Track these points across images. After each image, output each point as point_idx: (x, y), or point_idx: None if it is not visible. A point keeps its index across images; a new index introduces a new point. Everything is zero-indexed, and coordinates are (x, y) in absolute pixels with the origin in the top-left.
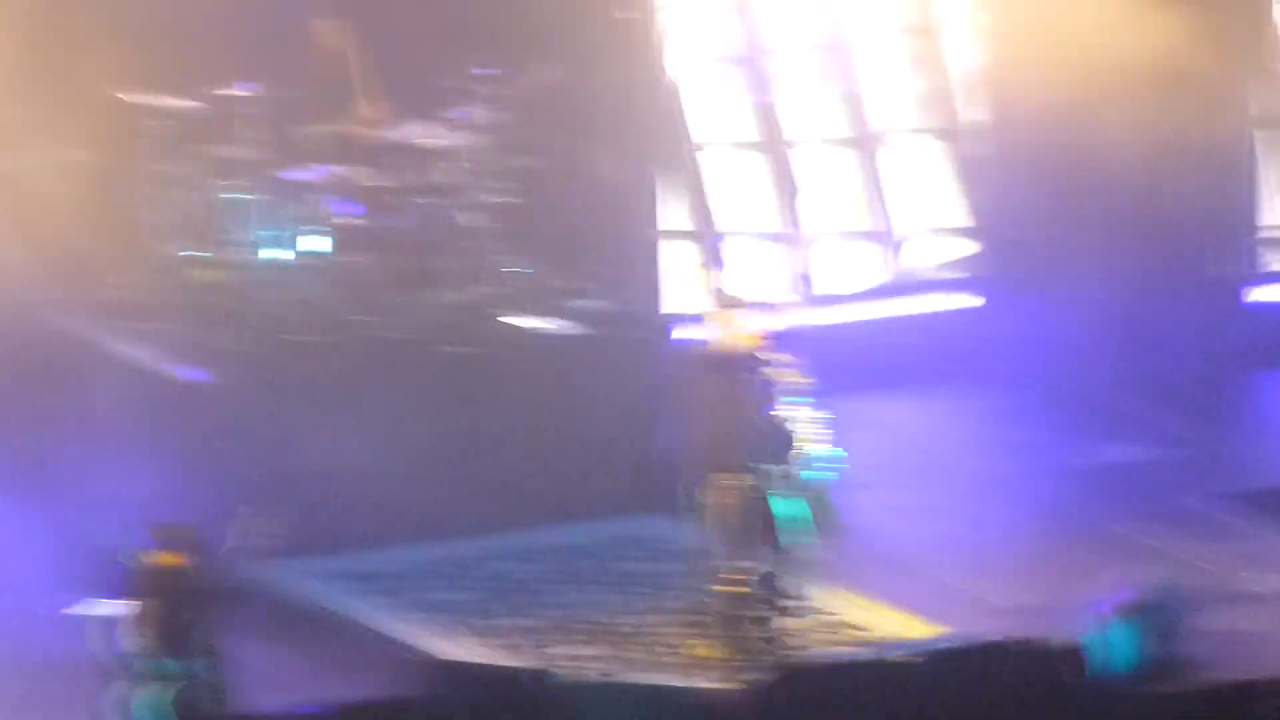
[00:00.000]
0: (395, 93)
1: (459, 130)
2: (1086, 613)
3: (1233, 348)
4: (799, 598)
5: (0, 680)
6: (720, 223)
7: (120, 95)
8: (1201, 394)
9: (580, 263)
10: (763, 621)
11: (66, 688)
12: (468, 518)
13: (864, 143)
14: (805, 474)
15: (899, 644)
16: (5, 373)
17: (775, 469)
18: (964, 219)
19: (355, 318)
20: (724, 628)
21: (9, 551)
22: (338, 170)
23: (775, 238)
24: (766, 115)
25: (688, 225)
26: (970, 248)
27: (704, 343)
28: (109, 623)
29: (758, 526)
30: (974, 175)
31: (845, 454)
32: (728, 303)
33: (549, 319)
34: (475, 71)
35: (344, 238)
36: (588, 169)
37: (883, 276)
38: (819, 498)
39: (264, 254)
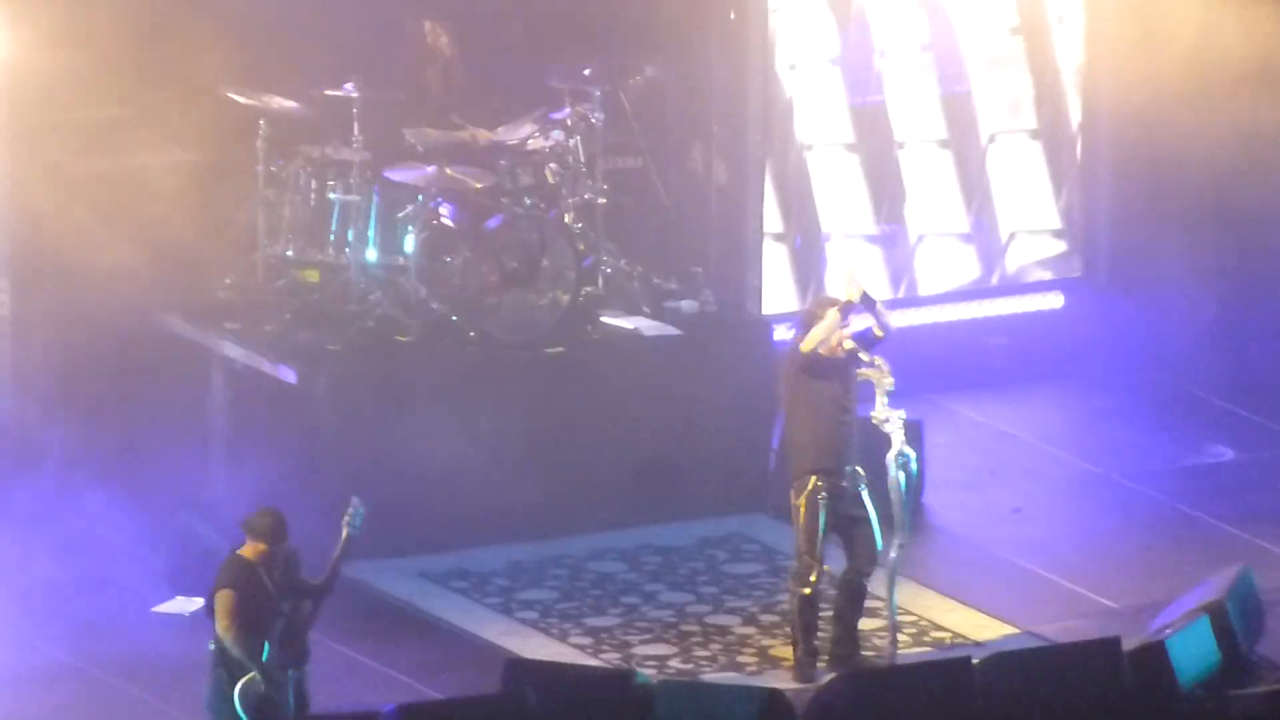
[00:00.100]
0: (501, 93)
1: (564, 130)
2: (1172, 613)
3: None
4: (885, 599)
5: (95, 676)
6: (822, 223)
7: (229, 94)
8: None
9: (683, 263)
10: (847, 622)
11: (159, 683)
12: (563, 517)
13: (963, 143)
14: (895, 474)
15: (982, 645)
16: (108, 371)
17: (866, 470)
18: (1060, 219)
19: (457, 318)
20: (806, 629)
21: (106, 548)
22: (443, 171)
23: (873, 239)
24: (869, 116)
25: (790, 226)
26: (1066, 248)
27: (801, 343)
28: (198, 618)
29: (846, 527)
30: (1071, 175)
31: (935, 454)
32: (827, 304)
33: (651, 319)
34: (582, 72)
35: (448, 238)
36: (691, 169)
37: (980, 277)
38: (908, 498)
39: (368, 255)
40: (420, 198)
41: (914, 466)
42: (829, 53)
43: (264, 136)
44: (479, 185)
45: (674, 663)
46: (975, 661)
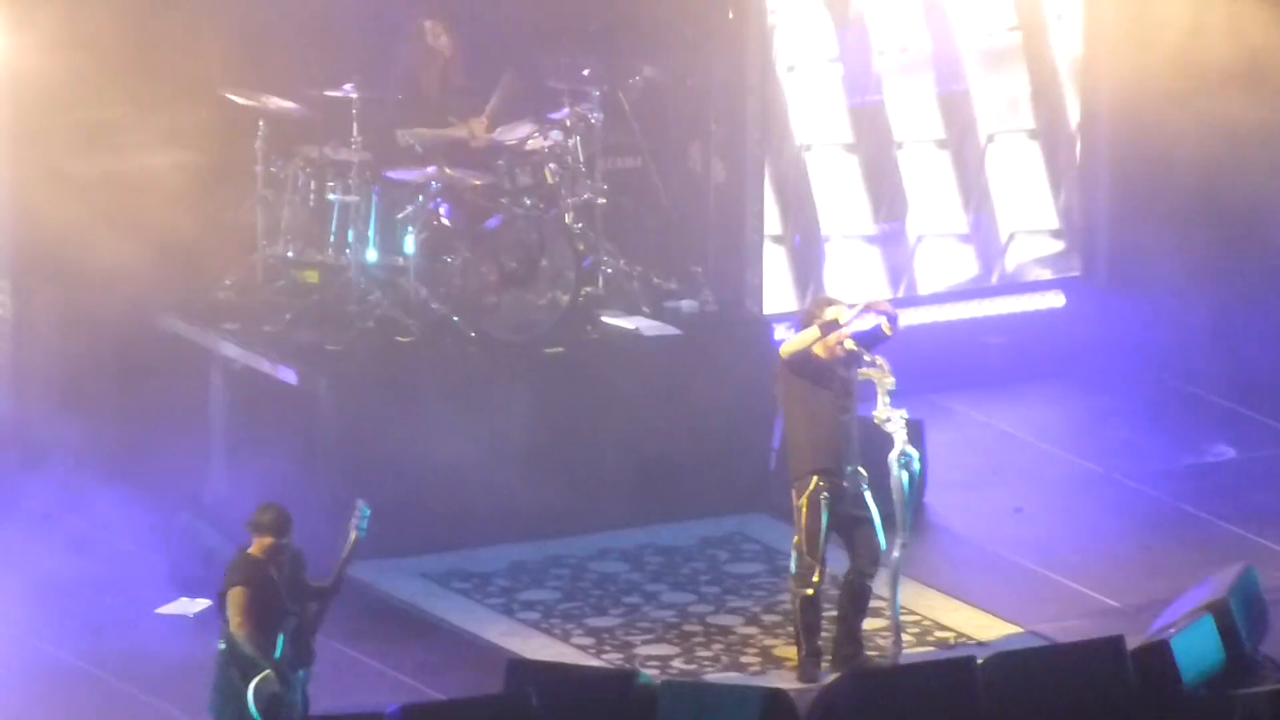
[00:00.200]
0: (510, 99)
1: (563, 131)
2: (1175, 612)
3: None
4: (888, 599)
5: (97, 676)
6: (821, 223)
7: (228, 95)
8: None
9: (682, 263)
10: (850, 623)
11: (163, 684)
12: (564, 518)
13: (961, 143)
14: (898, 474)
15: (986, 645)
16: (109, 371)
17: (868, 470)
18: (1059, 219)
19: (457, 318)
20: (808, 630)
21: (108, 549)
22: (442, 171)
23: (872, 239)
24: (868, 116)
25: (789, 225)
26: (1065, 247)
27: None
28: (201, 619)
29: (848, 527)
30: (1070, 175)
31: (936, 454)
32: (825, 304)
33: (650, 319)
34: (581, 72)
35: (448, 239)
36: (690, 169)
37: (979, 276)
38: (910, 498)
39: (368, 255)
40: (420, 198)
41: (916, 466)
42: (827, 52)
43: (263, 137)
44: (478, 182)
45: (676, 663)
46: (979, 661)
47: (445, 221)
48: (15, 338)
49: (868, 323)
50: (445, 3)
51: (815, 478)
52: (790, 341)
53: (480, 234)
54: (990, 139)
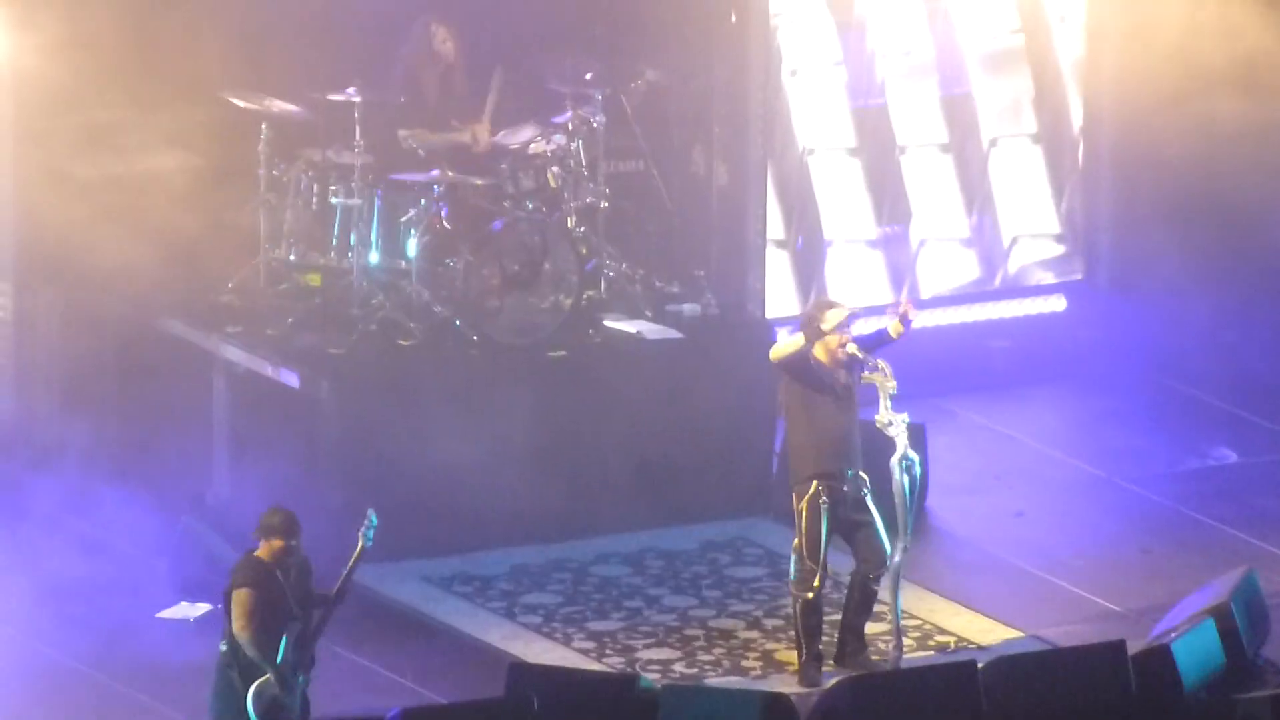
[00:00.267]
0: (503, 97)
1: (566, 134)
2: (1176, 616)
3: None
4: (889, 603)
5: (97, 680)
6: (823, 226)
7: (230, 99)
8: None
9: (684, 266)
10: (854, 624)
11: (163, 688)
12: (566, 521)
13: (964, 147)
14: (899, 478)
15: (987, 649)
16: (111, 374)
17: (869, 474)
18: (1061, 223)
19: (459, 322)
20: (809, 634)
21: (110, 553)
22: (445, 174)
23: (875, 243)
24: (870, 119)
25: (792, 229)
26: (1067, 251)
27: (803, 347)
28: (202, 623)
29: (850, 531)
30: (1072, 179)
31: (938, 458)
32: (826, 306)
33: (652, 322)
34: (584, 75)
35: (450, 242)
36: (693, 173)
37: (981, 280)
38: (911, 502)
39: (370, 258)
40: (422, 201)
41: (918, 470)
42: (830, 56)
43: (266, 140)
44: (479, 183)
45: (678, 667)
46: (980, 665)
47: (447, 225)
48: (17, 339)
49: (876, 324)
50: (448, 6)
51: (816, 482)
52: (777, 346)
53: (483, 237)
54: (993, 143)
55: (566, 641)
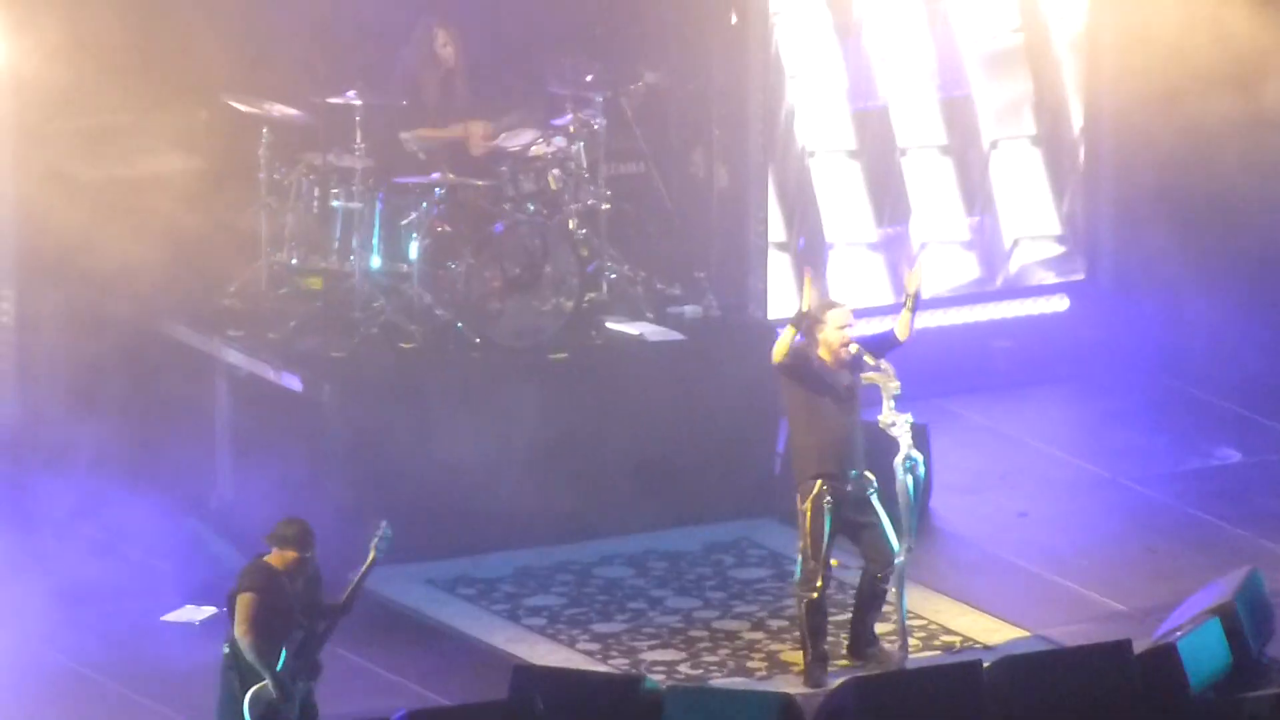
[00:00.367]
0: (504, 100)
1: (566, 137)
2: (1181, 615)
3: None
4: (894, 603)
5: (102, 683)
6: (824, 228)
7: (231, 102)
8: None
9: (686, 268)
10: (865, 620)
11: (167, 692)
12: (569, 523)
13: (964, 149)
14: (903, 478)
15: (992, 649)
16: (113, 378)
17: (872, 474)
18: (1062, 225)
19: (461, 325)
20: (814, 634)
21: (113, 556)
22: (446, 177)
23: (876, 245)
24: (871, 122)
25: (793, 231)
26: (1069, 250)
27: (805, 347)
28: (207, 626)
29: (854, 531)
30: (1073, 180)
31: (941, 458)
32: (827, 307)
33: (654, 324)
34: (584, 78)
35: (452, 245)
36: (694, 175)
37: (981, 280)
38: (915, 502)
39: (372, 262)
40: (424, 204)
41: (921, 471)
42: (830, 58)
43: (267, 144)
44: (480, 185)
45: (682, 668)
46: (985, 665)
47: (449, 228)
48: (19, 343)
49: (881, 326)
50: (449, 8)
51: (818, 482)
52: (776, 346)
53: (484, 240)
54: (993, 145)
55: (571, 643)
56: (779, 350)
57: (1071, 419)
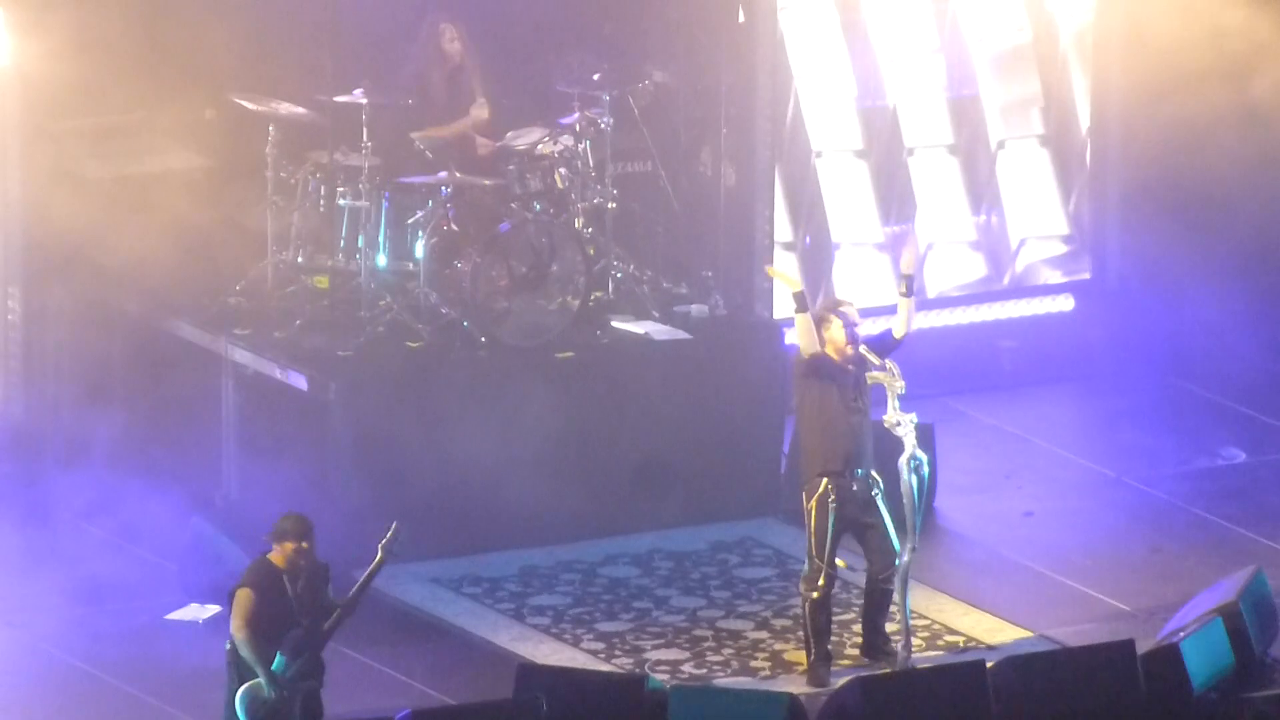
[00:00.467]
0: (511, 98)
1: (573, 135)
2: (1185, 615)
3: None
4: (898, 603)
5: (106, 682)
6: (831, 228)
7: (238, 101)
8: None
9: (692, 267)
10: (873, 620)
11: (172, 690)
12: (574, 522)
13: (972, 149)
14: (908, 478)
15: (996, 649)
16: (119, 376)
17: (878, 473)
18: (1069, 225)
19: (467, 323)
20: (818, 633)
21: (118, 554)
22: (453, 176)
23: (882, 244)
24: (878, 121)
25: (800, 230)
26: (1075, 251)
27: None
28: (211, 624)
29: (859, 531)
30: (1080, 180)
31: (946, 458)
32: (835, 305)
33: (660, 324)
34: (591, 77)
35: (458, 244)
36: (701, 174)
37: (988, 279)
38: (919, 502)
39: (378, 260)
40: (430, 203)
41: (926, 470)
42: (837, 57)
43: (273, 143)
44: (487, 184)
45: (687, 668)
46: (989, 665)
47: (455, 226)
48: (26, 340)
49: (880, 326)
50: (456, 6)
51: (824, 480)
52: (800, 340)
53: (490, 239)
54: (1001, 145)
55: (575, 642)
56: (809, 342)
57: (1077, 418)
